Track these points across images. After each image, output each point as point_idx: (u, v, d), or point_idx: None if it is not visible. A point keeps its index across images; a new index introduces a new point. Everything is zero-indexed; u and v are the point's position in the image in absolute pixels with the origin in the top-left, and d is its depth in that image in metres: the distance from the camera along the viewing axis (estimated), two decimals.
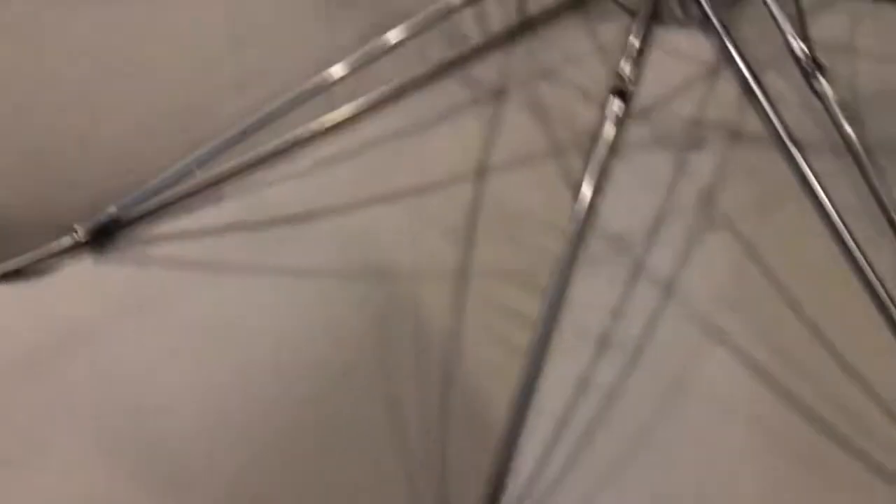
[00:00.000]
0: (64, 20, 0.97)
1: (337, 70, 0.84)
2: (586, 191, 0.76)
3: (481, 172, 0.93)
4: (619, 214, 0.88)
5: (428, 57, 0.95)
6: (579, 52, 0.97)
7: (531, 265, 0.85)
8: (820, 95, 0.77)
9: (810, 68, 0.76)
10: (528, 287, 0.81)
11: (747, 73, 0.89)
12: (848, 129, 0.79)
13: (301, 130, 0.94)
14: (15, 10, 0.97)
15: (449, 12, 0.85)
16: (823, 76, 0.77)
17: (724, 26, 0.91)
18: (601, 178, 0.77)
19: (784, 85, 0.89)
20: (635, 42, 0.81)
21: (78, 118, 0.94)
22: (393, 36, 0.83)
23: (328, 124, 0.95)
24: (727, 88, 0.94)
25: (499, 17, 0.97)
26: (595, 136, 0.76)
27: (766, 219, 0.90)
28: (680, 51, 0.96)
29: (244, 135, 0.87)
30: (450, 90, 0.95)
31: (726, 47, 0.90)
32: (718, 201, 0.90)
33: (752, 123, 0.88)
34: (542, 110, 0.96)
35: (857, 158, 0.79)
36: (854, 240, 0.75)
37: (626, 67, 0.77)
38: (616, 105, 0.77)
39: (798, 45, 0.76)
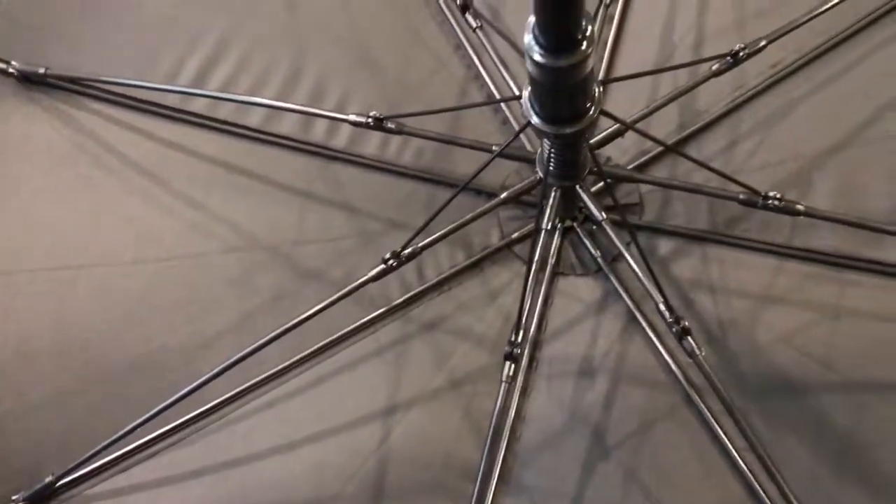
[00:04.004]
0: None
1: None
2: None
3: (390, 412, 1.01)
4: None
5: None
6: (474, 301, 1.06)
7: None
8: (690, 354, 0.86)
9: (679, 333, 0.85)
10: None
11: (633, 309, 1.01)
12: (714, 380, 0.88)
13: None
14: None
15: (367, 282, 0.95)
16: (691, 337, 0.86)
17: (616, 276, 1.04)
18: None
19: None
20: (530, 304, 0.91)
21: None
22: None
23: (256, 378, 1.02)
24: (614, 326, 1.04)
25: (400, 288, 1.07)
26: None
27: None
28: (577, 295, 1.06)
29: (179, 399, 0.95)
30: (359, 346, 1.04)
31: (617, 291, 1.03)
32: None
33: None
34: (447, 351, 1.04)
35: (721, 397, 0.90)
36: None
37: (513, 333, 0.86)
38: (508, 368, 0.86)
39: (665, 314, 0.86)
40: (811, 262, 1.02)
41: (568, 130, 0.73)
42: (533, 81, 0.68)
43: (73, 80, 1.13)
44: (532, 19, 0.61)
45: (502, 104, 1.10)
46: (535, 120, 0.73)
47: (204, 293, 1.08)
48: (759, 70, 1.08)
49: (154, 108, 1.15)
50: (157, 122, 1.16)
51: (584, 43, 0.62)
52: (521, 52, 0.67)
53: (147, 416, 0.97)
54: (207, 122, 1.15)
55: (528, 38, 0.63)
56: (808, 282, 1.03)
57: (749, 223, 1.05)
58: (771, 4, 1.12)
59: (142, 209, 1.12)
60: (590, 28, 0.61)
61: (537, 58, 0.63)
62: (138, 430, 0.98)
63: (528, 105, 0.73)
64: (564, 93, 0.69)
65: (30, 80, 1.13)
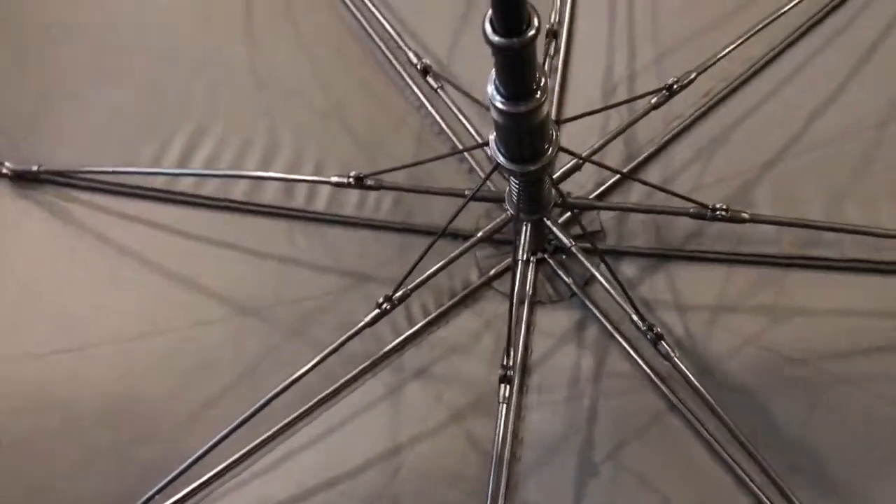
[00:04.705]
0: None
1: None
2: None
3: (396, 450, 1.08)
4: None
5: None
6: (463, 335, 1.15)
7: None
8: (666, 357, 0.95)
9: (653, 339, 0.94)
10: None
11: (609, 327, 1.10)
12: (691, 378, 0.97)
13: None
14: None
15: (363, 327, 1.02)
16: (664, 341, 0.95)
17: (590, 299, 1.13)
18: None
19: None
20: (515, 332, 0.99)
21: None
22: None
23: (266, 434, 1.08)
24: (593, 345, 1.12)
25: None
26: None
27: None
28: (556, 321, 1.15)
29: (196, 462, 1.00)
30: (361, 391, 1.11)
31: (592, 314, 1.12)
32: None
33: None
34: (442, 386, 1.11)
35: (699, 394, 0.99)
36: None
37: (505, 357, 0.94)
38: (504, 390, 0.94)
39: (639, 323, 0.95)
40: (761, 266, 1.13)
41: (532, 168, 0.82)
42: (497, 126, 0.78)
43: (63, 174, 1.20)
44: (493, 73, 0.71)
45: (466, 154, 1.20)
46: (501, 160, 0.83)
47: (204, 360, 1.15)
48: (693, 100, 1.19)
49: (142, 192, 1.23)
50: (145, 206, 1.23)
51: (539, 92, 0.72)
52: (482, 106, 0.76)
53: (165, 481, 1.02)
54: (193, 200, 1.23)
55: (490, 89, 0.72)
56: (760, 284, 1.13)
57: (702, 238, 1.15)
58: (692, 36, 1.24)
59: (139, 289, 1.19)
60: (543, 79, 0.72)
61: (499, 105, 0.73)
62: (157, 496, 1.03)
63: (495, 148, 0.83)
64: (525, 134, 0.78)
65: (23, 179, 1.20)
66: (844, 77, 1.19)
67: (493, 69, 0.70)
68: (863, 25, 1.21)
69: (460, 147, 1.20)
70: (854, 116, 1.18)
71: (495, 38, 0.63)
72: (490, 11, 0.62)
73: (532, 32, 0.63)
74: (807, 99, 1.19)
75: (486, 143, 0.86)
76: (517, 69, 0.68)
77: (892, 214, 1.10)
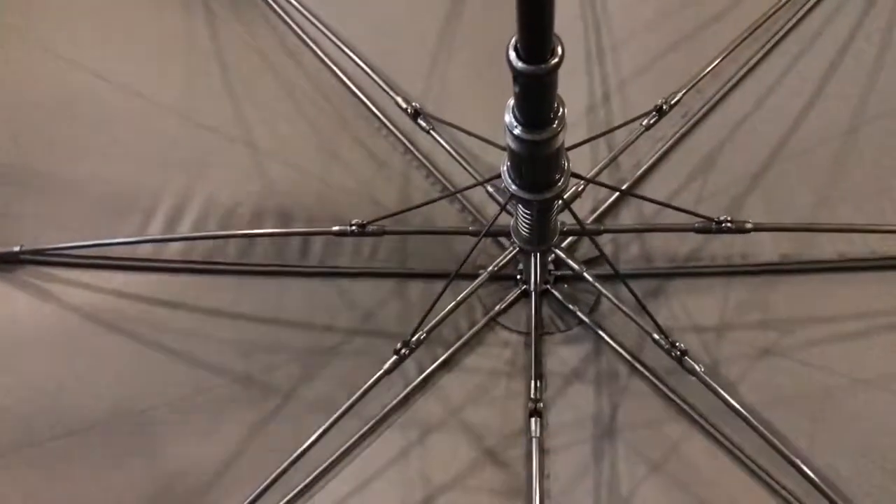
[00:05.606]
0: None
1: None
2: None
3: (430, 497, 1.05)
4: None
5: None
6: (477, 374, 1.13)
7: None
8: (692, 372, 0.95)
9: (677, 355, 0.94)
10: None
11: (625, 354, 1.09)
12: (721, 392, 0.96)
13: None
14: None
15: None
16: (687, 356, 0.95)
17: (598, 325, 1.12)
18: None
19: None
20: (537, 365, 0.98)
21: None
22: None
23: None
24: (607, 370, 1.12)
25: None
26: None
27: None
28: (568, 350, 1.14)
29: None
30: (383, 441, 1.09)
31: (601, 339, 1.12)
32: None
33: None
34: (464, 429, 1.09)
35: (733, 409, 0.98)
36: None
37: (533, 391, 0.93)
38: (536, 424, 0.92)
39: (663, 341, 0.94)
40: (762, 274, 1.14)
41: (548, 195, 0.82)
42: (513, 155, 0.78)
43: (45, 252, 1.15)
44: (511, 102, 0.71)
45: (459, 196, 1.20)
46: (513, 189, 0.82)
47: (211, 428, 1.11)
48: (674, 121, 1.22)
49: (128, 264, 1.18)
50: (133, 277, 1.19)
51: (557, 120, 0.72)
52: (487, 142, 0.75)
53: None
54: (181, 266, 1.19)
55: (508, 118, 0.72)
56: (762, 293, 1.14)
57: (702, 253, 1.16)
58: (657, 57, 1.27)
59: (135, 364, 1.14)
60: (561, 108, 0.72)
61: (518, 133, 0.73)
62: None
63: (508, 178, 0.82)
64: (542, 162, 0.78)
65: (4, 261, 1.15)
66: (814, 88, 1.23)
67: (512, 97, 0.70)
68: (825, 40, 1.25)
69: (451, 188, 1.20)
70: (827, 123, 1.21)
71: (519, 65, 0.63)
72: (514, 39, 0.62)
73: (556, 60, 0.63)
74: (784, 110, 1.22)
75: (495, 178, 0.85)
76: (539, 96, 0.68)
77: (889, 211, 1.12)
